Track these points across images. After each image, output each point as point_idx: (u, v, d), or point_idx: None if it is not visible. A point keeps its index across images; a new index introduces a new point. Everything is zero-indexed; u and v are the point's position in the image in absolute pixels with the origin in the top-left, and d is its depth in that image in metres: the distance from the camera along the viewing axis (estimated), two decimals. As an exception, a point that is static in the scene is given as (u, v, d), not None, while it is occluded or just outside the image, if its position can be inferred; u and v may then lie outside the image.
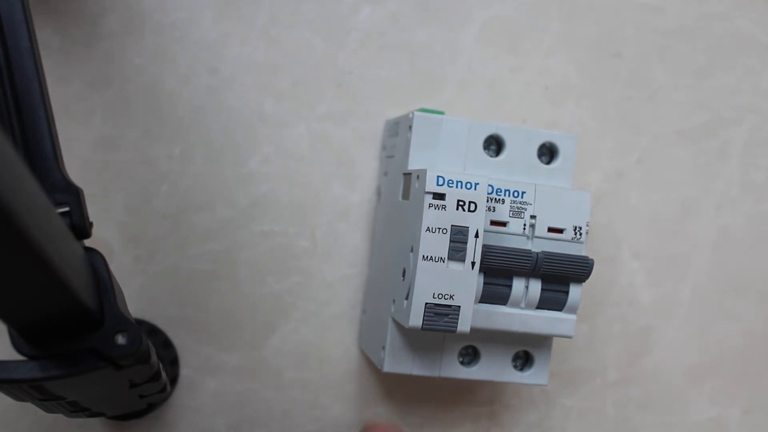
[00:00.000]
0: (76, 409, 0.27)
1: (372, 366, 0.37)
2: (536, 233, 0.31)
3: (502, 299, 0.31)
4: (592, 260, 0.31)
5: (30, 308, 0.21)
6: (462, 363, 0.33)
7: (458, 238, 0.29)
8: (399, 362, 0.32)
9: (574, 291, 0.31)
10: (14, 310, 0.21)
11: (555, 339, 0.34)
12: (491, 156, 0.33)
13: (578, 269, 0.31)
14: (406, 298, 0.30)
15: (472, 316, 0.30)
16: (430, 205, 0.29)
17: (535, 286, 0.31)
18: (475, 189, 0.29)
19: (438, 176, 0.29)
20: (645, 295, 0.40)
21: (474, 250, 0.29)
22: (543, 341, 0.33)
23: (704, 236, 0.40)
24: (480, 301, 0.31)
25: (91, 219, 0.26)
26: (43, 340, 0.22)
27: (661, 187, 0.39)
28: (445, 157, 0.32)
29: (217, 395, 0.36)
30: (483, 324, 0.31)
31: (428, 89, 0.37)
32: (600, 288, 0.39)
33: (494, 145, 0.33)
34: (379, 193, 0.36)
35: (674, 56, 0.39)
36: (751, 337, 0.41)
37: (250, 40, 0.36)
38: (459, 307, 0.29)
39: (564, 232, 0.31)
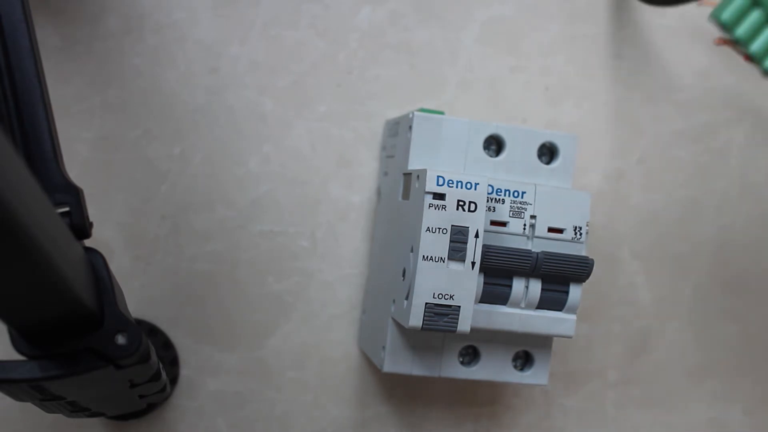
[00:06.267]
0: (76, 409, 0.27)
1: (372, 366, 0.37)
2: (536, 233, 0.31)
3: (502, 299, 0.31)
4: (592, 260, 0.31)
5: (30, 308, 0.21)
6: (462, 363, 0.33)
7: (458, 238, 0.29)
8: (399, 362, 0.32)
9: (574, 291, 0.31)
10: (14, 309, 0.21)
11: (555, 339, 0.34)
12: (491, 156, 0.33)
13: (578, 269, 0.31)
14: (406, 298, 0.30)
15: (472, 316, 0.30)
16: (430, 205, 0.29)
17: (535, 286, 0.31)
18: (475, 189, 0.29)
19: (438, 176, 0.29)
20: (645, 295, 0.40)
21: (474, 250, 0.29)
22: (543, 341, 0.33)
23: (704, 236, 0.40)
24: (480, 301, 0.31)
25: (91, 219, 0.26)
26: (43, 339, 0.22)
27: (661, 187, 0.39)
28: (445, 157, 0.32)
29: (217, 395, 0.36)
30: (483, 324, 0.31)
31: (428, 89, 0.37)
32: (600, 288, 0.39)
33: (494, 145, 0.33)
34: (379, 193, 0.36)
35: (674, 56, 0.39)
36: (751, 337, 0.41)
37: (250, 40, 0.36)
38: (459, 307, 0.29)
39: (564, 232, 0.31)
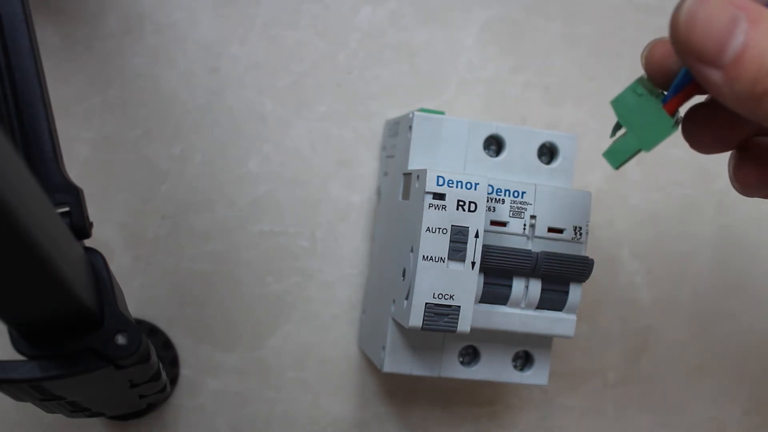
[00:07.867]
0: (76, 409, 0.27)
1: (372, 366, 0.37)
2: (536, 233, 0.31)
3: (502, 299, 0.31)
4: (592, 260, 0.31)
5: (30, 308, 0.21)
6: (462, 363, 0.33)
7: (458, 238, 0.29)
8: (399, 362, 0.32)
9: (574, 291, 0.31)
10: (15, 309, 0.21)
11: (555, 339, 0.34)
12: (491, 156, 0.33)
13: (578, 269, 0.31)
14: (406, 298, 0.30)
15: (472, 316, 0.30)
16: (430, 205, 0.29)
17: (535, 286, 0.31)
18: (475, 189, 0.29)
19: (438, 176, 0.29)
20: (645, 295, 0.40)
21: (474, 250, 0.29)
22: (543, 341, 0.33)
23: (704, 236, 0.40)
24: (480, 301, 0.31)
25: (91, 219, 0.26)
26: (43, 339, 0.22)
27: (661, 187, 0.39)
28: (445, 157, 0.32)
29: (217, 395, 0.36)
30: (483, 324, 0.31)
31: (428, 89, 0.37)
32: (600, 288, 0.39)
33: (494, 145, 0.33)
34: (379, 193, 0.36)
35: (674, 56, 0.39)
36: (751, 337, 0.41)
37: (250, 40, 0.36)
38: (459, 307, 0.29)
39: (564, 232, 0.31)
